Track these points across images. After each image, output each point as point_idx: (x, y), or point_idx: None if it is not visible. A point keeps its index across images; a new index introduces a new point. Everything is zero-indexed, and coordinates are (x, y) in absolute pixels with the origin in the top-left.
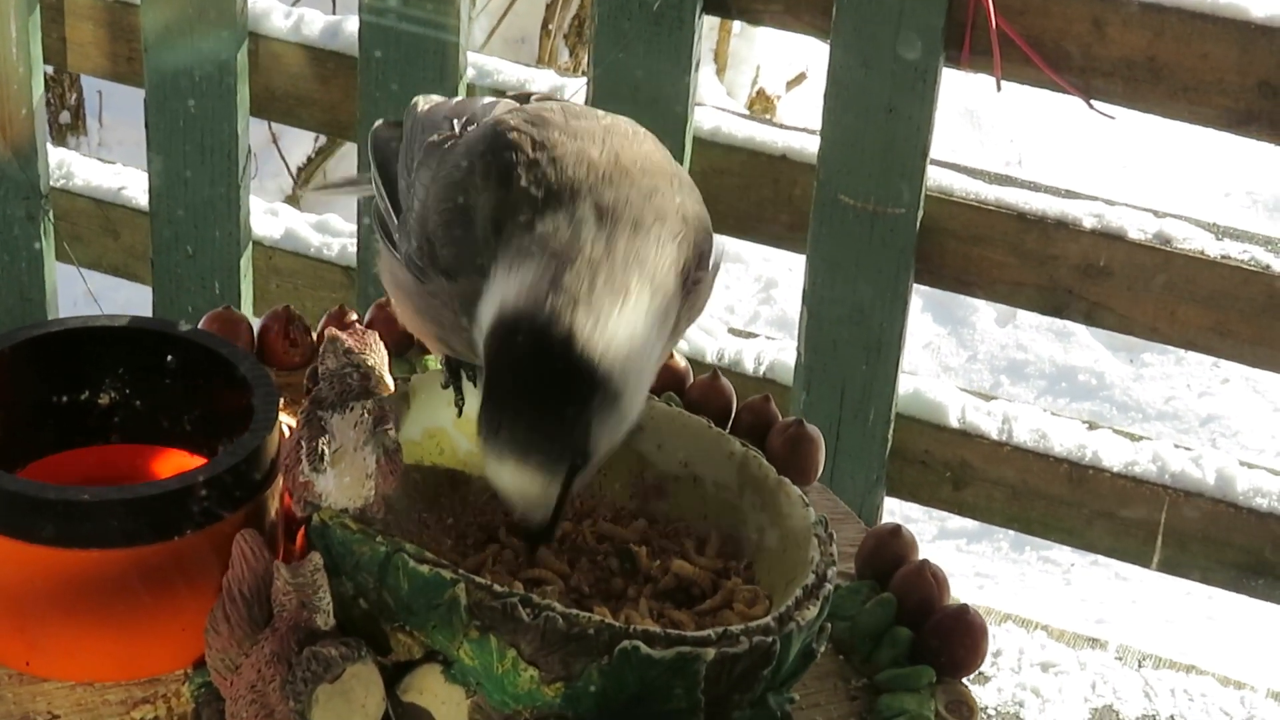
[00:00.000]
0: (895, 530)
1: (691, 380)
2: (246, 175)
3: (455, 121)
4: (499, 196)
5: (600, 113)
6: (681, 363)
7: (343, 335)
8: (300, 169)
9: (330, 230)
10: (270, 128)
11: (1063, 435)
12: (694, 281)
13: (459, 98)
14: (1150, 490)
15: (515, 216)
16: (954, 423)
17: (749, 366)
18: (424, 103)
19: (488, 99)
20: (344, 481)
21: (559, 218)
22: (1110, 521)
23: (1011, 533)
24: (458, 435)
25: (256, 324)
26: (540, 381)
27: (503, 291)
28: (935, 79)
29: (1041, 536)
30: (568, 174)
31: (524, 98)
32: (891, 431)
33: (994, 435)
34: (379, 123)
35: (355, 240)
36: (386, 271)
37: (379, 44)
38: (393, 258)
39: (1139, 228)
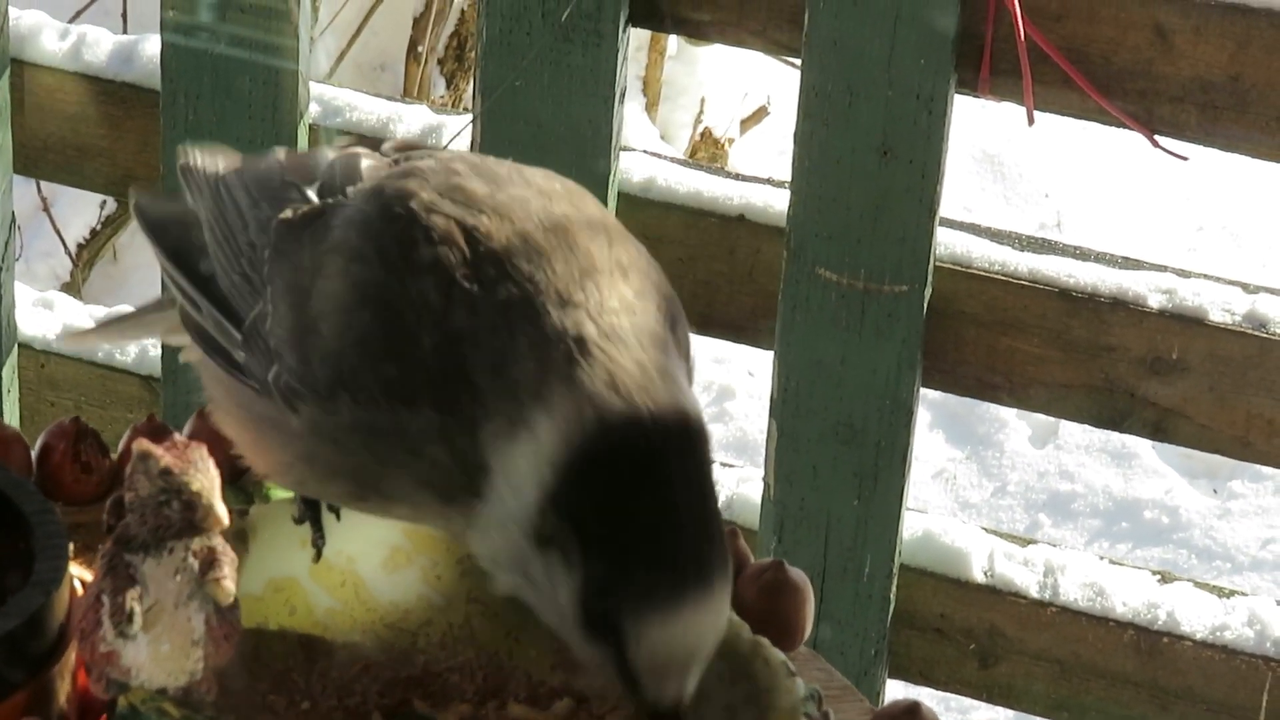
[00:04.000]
0: (912, 709)
1: None
2: (8, 256)
3: (306, 189)
4: (445, 308)
5: (515, 168)
6: None
7: (157, 450)
8: (81, 245)
9: None
10: (39, 190)
11: (1126, 591)
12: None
13: (279, 149)
14: (1246, 664)
15: (488, 330)
16: (979, 576)
17: None
18: (204, 160)
19: (329, 152)
20: (161, 650)
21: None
22: (1193, 706)
23: None
24: (314, 588)
25: (35, 444)
26: (688, 493)
27: (548, 421)
28: (945, 109)
29: None
30: (527, 272)
31: (377, 146)
32: (894, 589)
33: (1033, 592)
34: (139, 199)
35: (159, 340)
36: (229, 403)
37: (188, 73)
38: (238, 383)
39: (1224, 307)
